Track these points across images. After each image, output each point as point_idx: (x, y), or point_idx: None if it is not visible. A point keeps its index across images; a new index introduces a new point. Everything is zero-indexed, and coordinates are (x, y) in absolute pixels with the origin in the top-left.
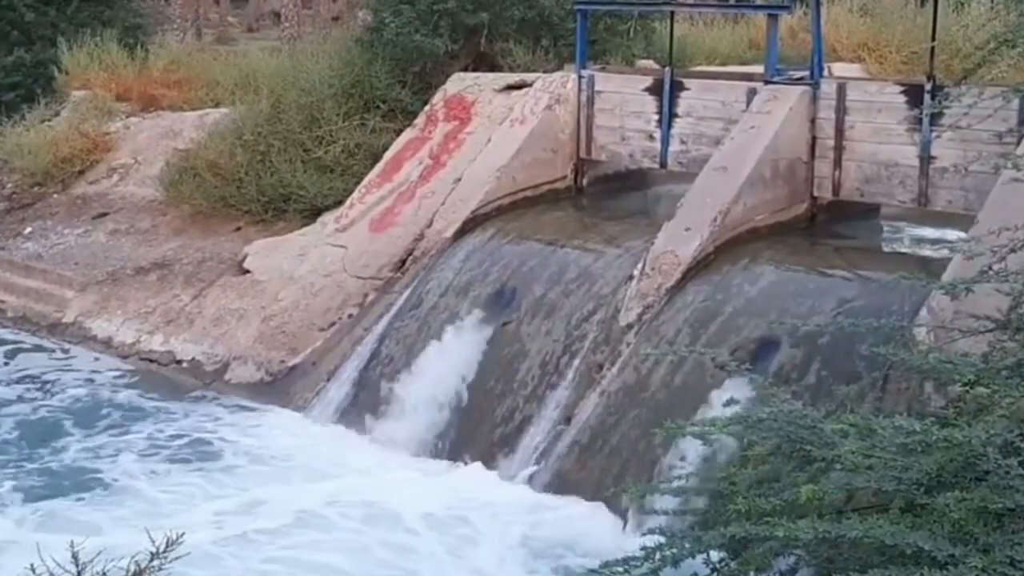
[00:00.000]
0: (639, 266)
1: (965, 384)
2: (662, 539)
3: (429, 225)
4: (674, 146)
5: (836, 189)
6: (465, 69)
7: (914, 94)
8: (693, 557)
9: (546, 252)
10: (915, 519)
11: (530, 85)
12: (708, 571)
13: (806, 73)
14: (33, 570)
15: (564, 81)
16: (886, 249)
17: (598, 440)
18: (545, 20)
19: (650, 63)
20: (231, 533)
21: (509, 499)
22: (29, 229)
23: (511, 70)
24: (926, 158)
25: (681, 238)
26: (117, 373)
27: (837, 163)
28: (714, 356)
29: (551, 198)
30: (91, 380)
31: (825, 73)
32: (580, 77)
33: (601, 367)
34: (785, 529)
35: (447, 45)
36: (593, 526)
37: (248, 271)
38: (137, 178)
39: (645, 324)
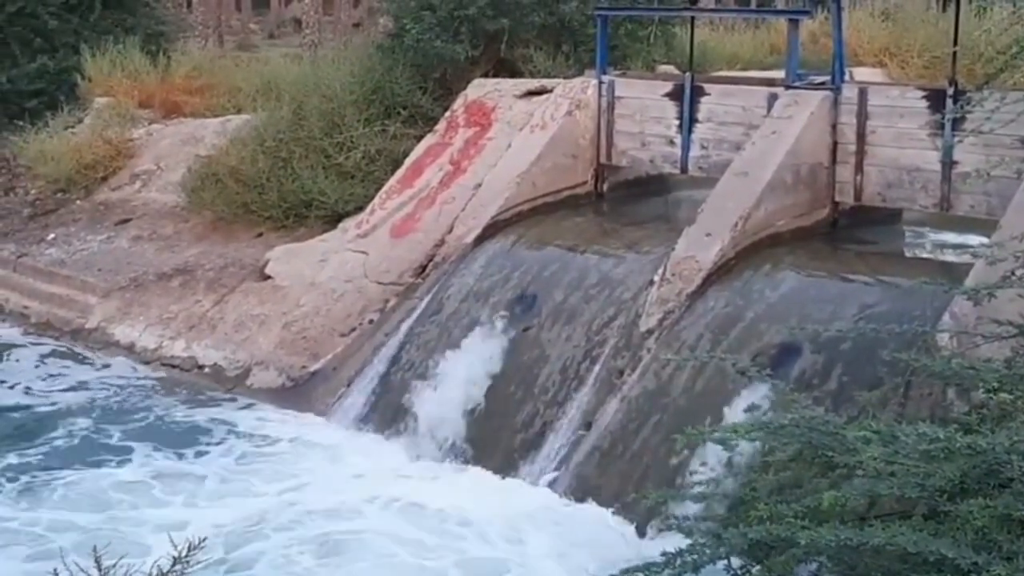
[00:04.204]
0: (660, 271)
1: (988, 390)
2: (683, 543)
3: (450, 231)
4: (695, 151)
5: (858, 194)
6: (485, 75)
7: (936, 99)
8: (714, 562)
9: (567, 258)
10: (938, 526)
11: (550, 91)
12: None
13: (827, 78)
14: (56, 575)
15: (584, 87)
16: (908, 254)
17: (619, 446)
18: (566, 26)
19: (671, 68)
20: (238, 538)
21: (529, 504)
22: (52, 235)
23: (531, 76)
24: (948, 163)
25: (702, 243)
26: (139, 378)
27: (859, 168)
28: (735, 362)
29: (571, 204)
30: (112, 385)
31: (847, 78)
32: (600, 83)
33: (622, 373)
34: (807, 536)
35: (467, 51)
36: (613, 532)
37: (269, 277)
38: (159, 184)
39: (666, 330)
